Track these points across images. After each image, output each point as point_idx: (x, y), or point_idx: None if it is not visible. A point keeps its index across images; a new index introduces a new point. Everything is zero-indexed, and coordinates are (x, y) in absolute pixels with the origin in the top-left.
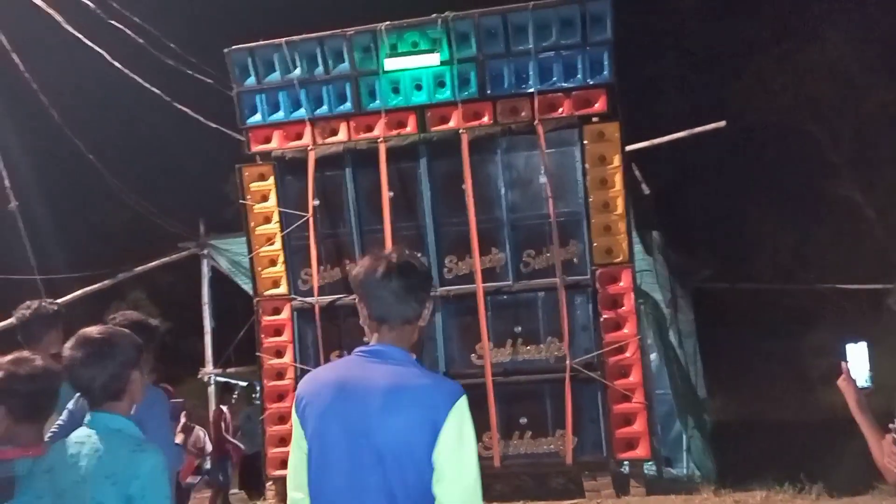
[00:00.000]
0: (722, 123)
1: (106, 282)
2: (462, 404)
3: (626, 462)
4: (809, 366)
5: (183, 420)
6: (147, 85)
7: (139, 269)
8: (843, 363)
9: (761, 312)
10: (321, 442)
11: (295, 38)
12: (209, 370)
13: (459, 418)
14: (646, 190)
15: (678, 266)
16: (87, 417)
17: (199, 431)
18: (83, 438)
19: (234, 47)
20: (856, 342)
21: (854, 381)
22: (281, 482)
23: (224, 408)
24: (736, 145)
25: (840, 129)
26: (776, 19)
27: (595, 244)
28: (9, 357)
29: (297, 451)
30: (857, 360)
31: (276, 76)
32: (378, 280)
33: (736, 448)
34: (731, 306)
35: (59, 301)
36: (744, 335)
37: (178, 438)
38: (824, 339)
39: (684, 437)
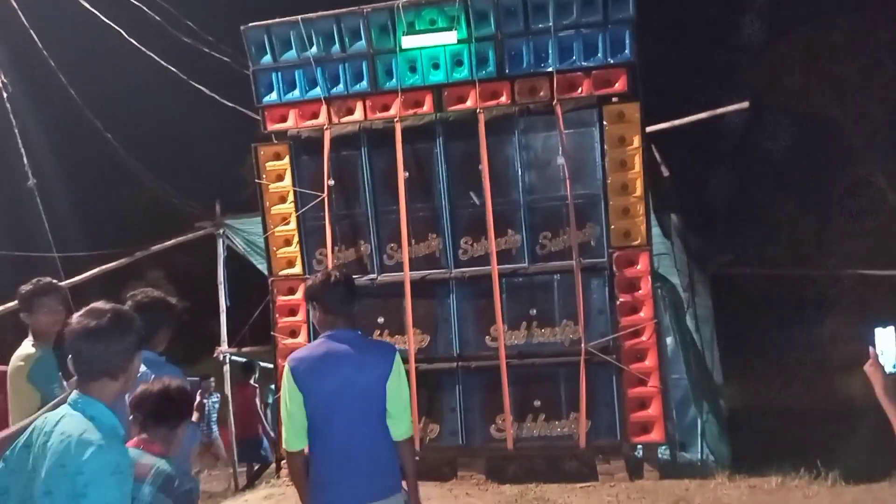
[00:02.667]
0: (745, 104)
1: (123, 260)
2: (398, 356)
3: (640, 446)
4: (828, 352)
5: (198, 399)
6: (164, 63)
7: (156, 248)
8: (870, 348)
9: (780, 298)
10: (323, 395)
11: (311, 15)
12: (225, 349)
13: (398, 365)
14: (665, 172)
15: (697, 250)
16: (73, 396)
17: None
18: (61, 418)
19: (250, 25)
20: (884, 327)
21: (882, 367)
22: None
23: (255, 385)
24: (757, 128)
25: (863, 113)
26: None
27: (613, 227)
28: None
29: (298, 410)
30: (886, 344)
31: (292, 54)
32: (330, 287)
33: (751, 434)
34: (750, 291)
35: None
36: (762, 321)
37: (195, 417)
38: (843, 325)
39: (699, 421)
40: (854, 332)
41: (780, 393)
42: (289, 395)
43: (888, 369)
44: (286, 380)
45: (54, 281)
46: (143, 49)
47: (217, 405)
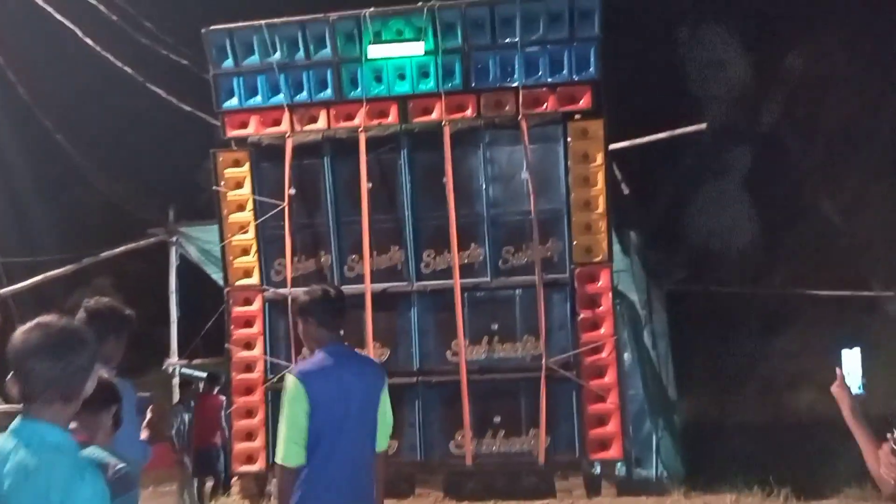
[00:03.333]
0: (702, 126)
1: (69, 267)
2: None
3: (598, 462)
4: (777, 369)
5: (149, 415)
6: (119, 64)
7: (104, 254)
8: (837, 369)
9: (731, 316)
10: (331, 407)
11: (276, 20)
12: (174, 361)
13: (387, 381)
14: (625, 189)
15: (654, 267)
16: (15, 423)
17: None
18: (5, 451)
19: (211, 28)
20: (850, 347)
21: (849, 388)
22: (247, 478)
23: (222, 397)
24: (712, 149)
25: (811, 138)
26: (756, 27)
27: (575, 242)
28: None
29: (303, 415)
30: (852, 365)
31: (255, 59)
32: (327, 302)
33: (705, 450)
34: (703, 309)
35: (18, 286)
36: (715, 337)
37: (144, 434)
38: (791, 343)
39: (654, 437)
40: (801, 349)
41: (733, 409)
42: (297, 408)
43: (854, 390)
44: (295, 392)
45: None
46: (98, 49)
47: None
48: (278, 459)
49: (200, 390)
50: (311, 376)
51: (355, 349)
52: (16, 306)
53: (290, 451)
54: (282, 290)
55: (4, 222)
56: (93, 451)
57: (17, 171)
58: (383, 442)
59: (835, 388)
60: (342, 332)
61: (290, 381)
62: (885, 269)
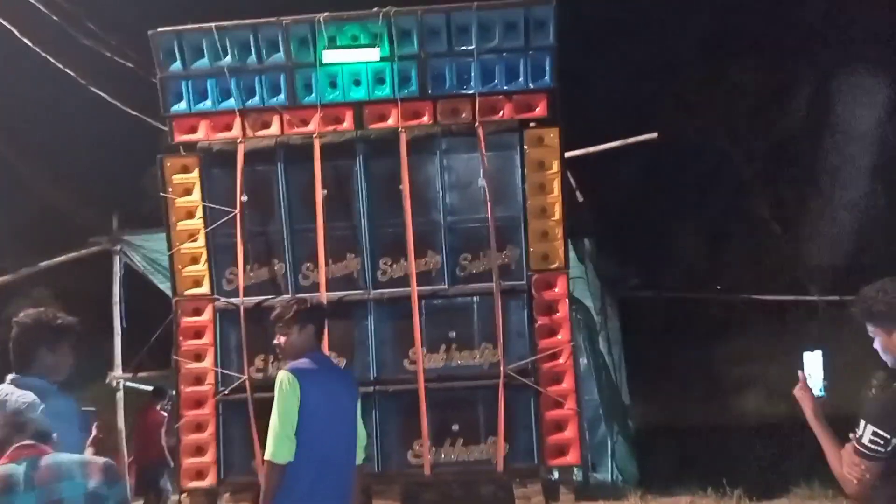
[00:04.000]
0: (653, 135)
1: (5, 277)
2: None
3: (555, 468)
4: (724, 373)
5: (94, 432)
6: (60, 65)
7: (43, 264)
8: (799, 372)
9: (680, 321)
10: (319, 407)
11: (226, 23)
12: (118, 374)
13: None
14: (580, 197)
15: (608, 274)
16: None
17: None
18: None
19: (158, 29)
20: (812, 350)
21: (811, 390)
22: (196, 494)
23: (164, 411)
24: (662, 158)
25: (752, 148)
26: (706, 37)
27: (532, 249)
28: None
29: (295, 411)
30: (813, 368)
31: (204, 63)
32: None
33: (659, 453)
34: (653, 315)
35: None
36: (665, 342)
37: (89, 452)
38: (737, 347)
39: (609, 442)
40: (748, 353)
41: (684, 412)
42: (291, 402)
43: (816, 393)
44: (289, 387)
45: None
46: (37, 49)
47: None
48: (268, 456)
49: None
50: (303, 374)
51: None
52: None
53: (281, 446)
54: (234, 300)
55: None
56: (65, 457)
57: None
58: (362, 454)
59: (797, 391)
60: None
61: (284, 376)
62: (822, 275)
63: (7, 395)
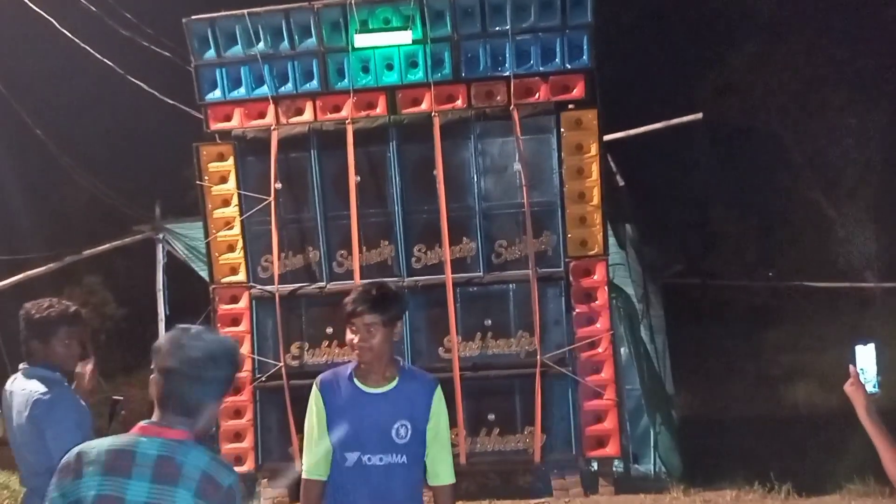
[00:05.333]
0: (698, 116)
1: (52, 265)
2: None
3: (594, 460)
4: (775, 362)
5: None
6: (100, 56)
7: (88, 252)
8: (851, 367)
9: (727, 309)
10: (345, 416)
11: (258, 9)
12: None
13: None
14: (620, 181)
15: (650, 260)
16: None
17: None
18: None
19: (192, 17)
20: (864, 343)
21: (863, 386)
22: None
23: None
24: (708, 140)
25: (804, 130)
26: (755, 15)
27: (570, 235)
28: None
29: (320, 425)
30: (866, 363)
31: (237, 50)
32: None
33: (704, 445)
34: (700, 302)
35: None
36: (711, 331)
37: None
38: (786, 336)
39: (652, 433)
40: (798, 341)
41: (730, 403)
42: (313, 408)
43: (869, 389)
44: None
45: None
46: (77, 41)
47: None
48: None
49: None
50: (328, 388)
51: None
52: None
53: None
54: (269, 288)
55: None
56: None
57: None
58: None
59: (848, 387)
60: None
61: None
62: (880, 261)
63: (14, 381)
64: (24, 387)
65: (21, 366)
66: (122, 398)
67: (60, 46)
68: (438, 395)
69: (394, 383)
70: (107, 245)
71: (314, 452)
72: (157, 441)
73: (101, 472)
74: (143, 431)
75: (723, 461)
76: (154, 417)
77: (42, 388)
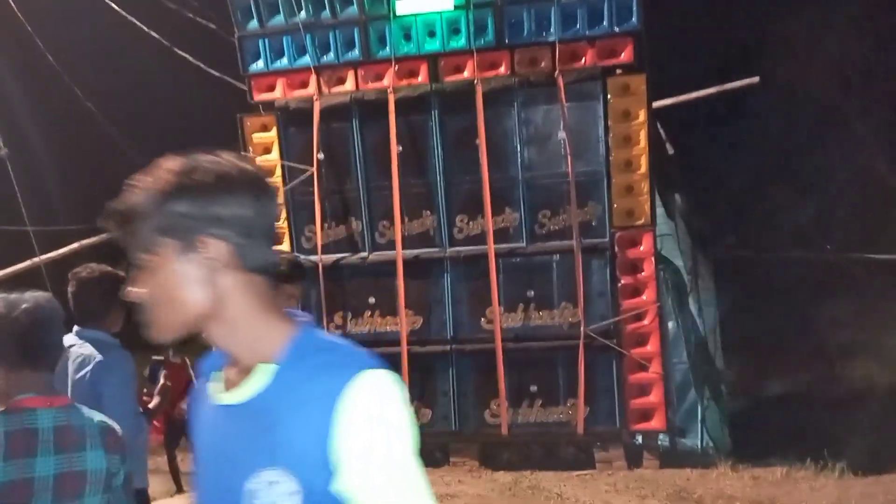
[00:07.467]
0: (755, 79)
1: (105, 234)
2: None
3: (639, 433)
4: (830, 338)
5: (161, 381)
6: (146, 29)
7: None
8: None
9: (782, 283)
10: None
11: None
12: None
13: None
14: (670, 150)
15: (700, 232)
16: None
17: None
18: None
19: None
20: None
21: None
22: None
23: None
24: (763, 109)
25: (866, 98)
26: None
27: (615, 205)
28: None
29: None
30: None
31: (280, 20)
32: None
33: (754, 421)
34: (752, 275)
35: (52, 254)
36: (764, 305)
37: (153, 402)
38: (845, 311)
39: (699, 407)
40: (856, 317)
41: (783, 379)
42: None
43: None
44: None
45: None
46: (124, 14)
47: None
48: None
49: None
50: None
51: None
52: (53, 274)
53: None
54: (312, 258)
55: (37, 191)
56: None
57: (50, 140)
58: None
59: None
60: None
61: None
62: None
63: (70, 346)
64: (80, 351)
65: (74, 328)
66: (162, 358)
67: (107, 20)
68: (356, 395)
69: (261, 383)
70: None
71: None
72: (50, 412)
73: (1, 460)
74: (33, 404)
75: (774, 438)
76: (31, 389)
77: (98, 352)
